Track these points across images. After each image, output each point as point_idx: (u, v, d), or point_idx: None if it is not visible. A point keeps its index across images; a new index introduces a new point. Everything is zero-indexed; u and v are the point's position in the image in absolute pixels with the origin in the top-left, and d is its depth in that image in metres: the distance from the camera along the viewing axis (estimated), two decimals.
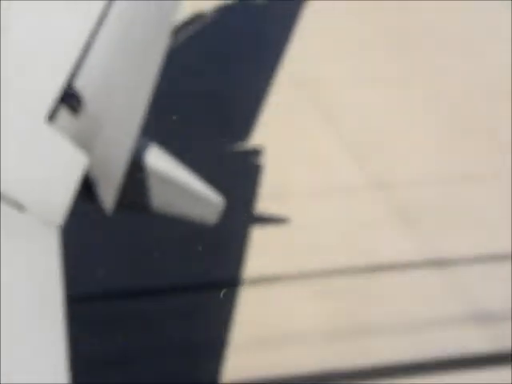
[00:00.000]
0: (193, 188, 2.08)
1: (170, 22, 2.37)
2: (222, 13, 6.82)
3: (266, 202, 5.45)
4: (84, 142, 1.67)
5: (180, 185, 2.05)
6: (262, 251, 4.98)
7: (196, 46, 6.66)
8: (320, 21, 8.02)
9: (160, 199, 2.06)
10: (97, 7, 2.00)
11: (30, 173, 1.48)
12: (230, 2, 7.38)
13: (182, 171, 2.08)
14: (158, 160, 2.02)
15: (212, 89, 6.78)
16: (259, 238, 5.10)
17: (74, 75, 1.72)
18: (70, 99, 1.68)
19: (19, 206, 1.39)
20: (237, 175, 5.71)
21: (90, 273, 4.26)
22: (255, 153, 5.95)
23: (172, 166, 2.06)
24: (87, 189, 1.74)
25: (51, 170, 1.55)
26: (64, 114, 1.66)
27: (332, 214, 5.41)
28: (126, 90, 1.94)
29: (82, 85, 1.73)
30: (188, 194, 2.07)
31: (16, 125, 1.53)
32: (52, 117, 1.60)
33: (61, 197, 1.50)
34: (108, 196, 1.80)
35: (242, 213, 5.20)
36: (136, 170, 1.95)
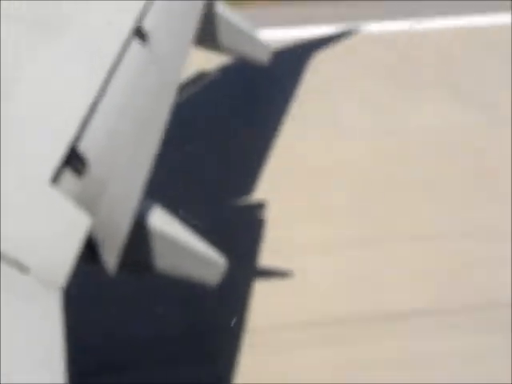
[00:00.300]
0: (196, 249, 2.09)
1: (175, 85, 2.41)
2: (224, 72, 6.94)
3: (268, 255, 5.53)
4: (88, 203, 1.68)
5: (183, 246, 2.06)
6: (264, 304, 5.04)
7: (198, 104, 6.77)
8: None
9: (163, 260, 2.06)
10: (103, 68, 2.03)
11: (33, 234, 1.49)
12: (232, 61, 7.50)
13: (184, 232, 2.09)
14: (160, 221, 2.03)
15: (214, 145, 6.91)
16: (261, 292, 5.15)
17: (78, 137, 1.74)
18: (74, 162, 1.70)
19: (22, 267, 1.39)
20: (239, 229, 5.80)
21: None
22: (258, 207, 6.05)
23: (175, 226, 2.07)
24: (90, 250, 1.74)
25: (54, 232, 1.55)
26: (68, 176, 1.67)
27: (332, 267, 5.49)
28: (130, 152, 1.96)
29: (86, 147, 1.75)
30: (191, 255, 2.08)
31: (20, 186, 1.54)
32: (56, 179, 1.61)
33: (64, 258, 1.50)
34: (111, 257, 1.81)
35: (244, 266, 5.26)
36: (139, 231, 1.96)
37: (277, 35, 9.41)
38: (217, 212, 5.88)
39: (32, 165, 1.61)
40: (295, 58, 8.97)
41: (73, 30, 2.12)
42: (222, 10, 3.71)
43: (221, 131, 7.25)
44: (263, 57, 4.00)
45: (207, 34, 3.63)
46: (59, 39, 2.03)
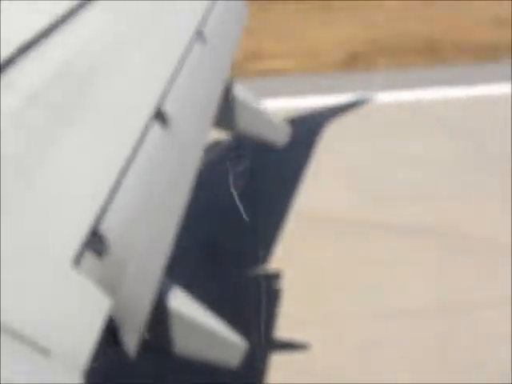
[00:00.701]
0: (216, 332, 2.08)
1: (195, 167, 2.43)
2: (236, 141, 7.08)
3: (284, 326, 5.49)
4: (108, 284, 1.68)
5: (202, 328, 2.05)
6: (281, 376, 5.00)
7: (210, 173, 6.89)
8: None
9: (182, 342, 2.05)
10: (124, 150, 2.06)
11: (53, 316, 1.49)
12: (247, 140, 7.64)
13: (204, 313, 2.09)
14: (180, 303, 2.03)
15: (228, 215, 6.99)
16: (278, 364, 5.11)
17: (99, 219, 1.76)
18: (95, 243, 1.71)
19: (42, 350, 1.38)
20: (255, 299, 5.83)
21: None
22: (274, 277, 6.08)
23: (195, 308, 2.07)
24: (110, 332, 1.73)
25: (75, 314, 1.55)
26: (89, 258, 1.67)
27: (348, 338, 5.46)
28: (150, 232, 1.98)
29: (107, 228, 1.76)
30: (211, 337, 2.07)
31: (41, 268, 1.55)
32: (77, 260, 1.62)
33: (85, 340, 1.49)
34: (131, 339, 1.80)
35: (260, 337, 5.26)
36: (159, 312, 1.95)
37: (288, 104, 9.61)
38: (232, 282, 5.94)
39: (53, 246, 1.61)
40: (306, 128, 9.13)
41: (93, 113, 2.16)
42: (240, 91, 3.78)
43: (233, 201, 7.34)
44: (281, 139, 4.07)
45: (224, 116, 3.69)
46: (80, 122, 2.07)
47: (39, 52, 2.29)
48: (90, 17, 2.76)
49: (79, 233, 1.67)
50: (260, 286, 6.02)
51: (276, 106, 9.52)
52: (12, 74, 2.09)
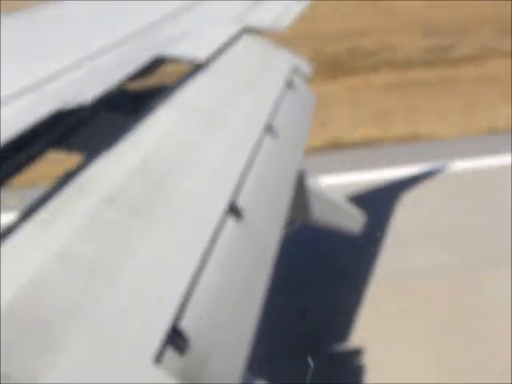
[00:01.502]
0: None
1: (271, 260, 2.43)
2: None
3: None
4: (190, 381, 1.67)
5: None
6: None
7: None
8: None
9: None
10: (200, 245, 2.08)
11: None
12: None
13: None
14: None
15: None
16: None
17: (178, 315, 1.76)
18: (175, 339, 1.70)
19: None
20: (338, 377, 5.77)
21: None
22: (356, 354, 6.02)
23: None
24: None
25: None
26: (170, 354, 1.67)
27: None
28: (230, 327, 1.97)
29: (186, 324, 1.76)
30: None
31: (123, 366, 1.55)
32: (158, 357, 1.62)
33: None
34: None
35: None
36: None
37: (358, 178, 9.62)
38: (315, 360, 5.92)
39: (134, 344, 1.62)
40: (378, 201, 9.12)
41: (169, 210, 2.19)
42: (313, 182, 3.79)
43: (307, 280, 7.34)
44: (355, 227, 4.06)
45: (297, 207, 3.69)
46: (156, 220, 2.10)
47: (116, 152, 2.36)
48: (163, 115, 2.84)
49: (159, 330, 1.68)
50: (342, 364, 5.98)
51: (352, 179, 9.60)
52: (90, 174, 2.15)
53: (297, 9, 5.81)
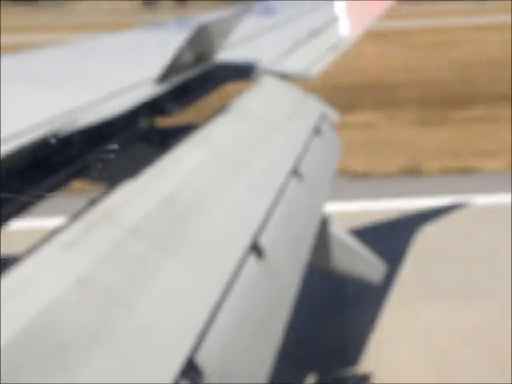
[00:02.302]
0: None
1: (291, 301, 2.41)
2: None
3: None
4: None
5: None
6: None
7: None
8: None
9: None
10: (220, 282, 2.06)
11: None
12: None
13: None
14: None
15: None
16: None
17: (195, 350, 1.74)
18: (191, 373, 1.69)
19: None
20: None
21: None
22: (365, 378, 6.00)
23: None
24: None
25: None
26: None
27: None
28: (247, 363, 1.95)
29: (203, 358, 1.74)
30: None
31: None
32: None
33: None
34: None
35: None
36: None
37: (381, 206, 9.61)
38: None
39: (150, 375, 1.60)
40: (400, 231, 9.12)
41: (192, 244, 2.19)
42: (335, 227, 3.78)
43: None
44: (376, 276, 4.03)
45: (319, 252, 3.68)
46: (178, 253, 2.10)
47: (143, 183, 2.37)
48: (191, 152, 2.86)
49: (176, 363, 1.66)
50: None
51: (376, 208, 9.59)
52: (116, 203, 2.15)
53: (327, 59, 5.87)
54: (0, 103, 2.57)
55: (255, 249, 2.37)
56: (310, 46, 6.04)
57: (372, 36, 20.48)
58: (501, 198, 10.61)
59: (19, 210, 2.39)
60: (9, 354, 1.40)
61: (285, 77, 4.74)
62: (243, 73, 4.46)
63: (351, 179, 11.84)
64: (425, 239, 9.20)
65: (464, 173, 12.28)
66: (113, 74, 3.49)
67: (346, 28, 7.90)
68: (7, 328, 1.46)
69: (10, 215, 2.34)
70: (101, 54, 4.28)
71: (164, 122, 3.52)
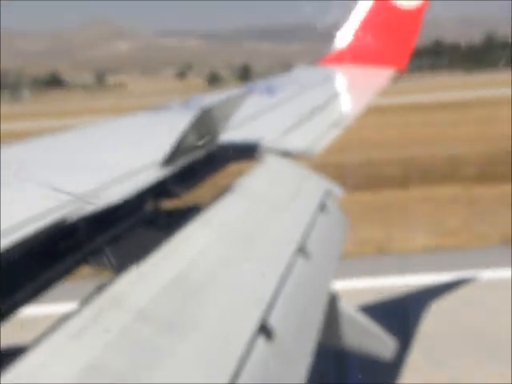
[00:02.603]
0: None
1: (301, 379, 2.39)
2: None
3: None
4: None
5: None
6: None
7: None
8: None
9: None
10: (229, 364, 2.05)
11: None
12: None
13: None
14: None
15: None
16: None
17: None
18: None
19: None
20: None
21: None
22: None
23: None
24: None
25: None
26: None
27: None
28: None
29: None
30: None
31: None
32: None
33: None
34: None
35: None
36: None
37: (386, 283, 9.53)
38: None
39: None
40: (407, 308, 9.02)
41: (199, 327, 2.19)
42: (344, 305, 3.76)
43: None
44: (387, 352, 3.99)
45: (328, 331, 3.65)
46: (186, 337, 2.09)
47: (150, 267, 2.38)
48: (197, 233, 2.87)
49: None
50: None
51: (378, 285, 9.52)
52: (124, 288, 2.16)
53: (330, 135, 5.93)
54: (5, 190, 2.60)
55: (264, 330, 2.37)
56: (313, 123, 6.11)
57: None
58: None
59: (28, 297, 2.39)
60: None
61: (288, 155, 4.79)
62: (247, 152, 4.51)
63: None
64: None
65: None
66: (117, 158, 3.53)
67: (347, 104, 8.01)
68: None
69: (19, 302, 2.34)
70: (105, 139, 4.34)
71: (170, 204, 3.54)
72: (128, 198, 2.79)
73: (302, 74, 9.71)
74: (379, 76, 9.37)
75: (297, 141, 5.21)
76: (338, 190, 4.68)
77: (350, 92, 8.92)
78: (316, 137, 5.60)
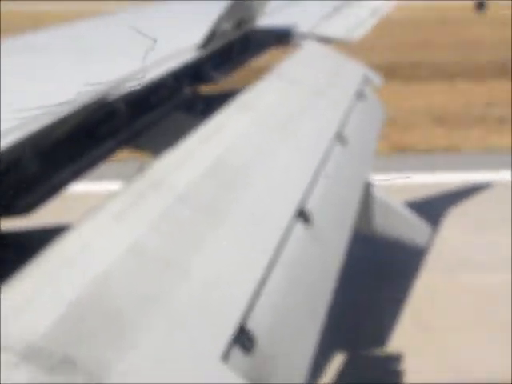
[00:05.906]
0: None
1: (337, 267, 2.42)
2: None
3: None
4: (256, 380, 1.67)
5: None
6: None
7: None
8: None
9: None
10: (267, 248, 2.08)
11: None
12: None
13: None
14: None
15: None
16: None
17: (246, 316, 1.76)
18: (243, 339, 1.71)
19: None
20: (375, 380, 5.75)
21: None
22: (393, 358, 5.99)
23: None
24: None
25: None
26: (237, 354, 1.67)
27: None
28: (296, 329, 1.96)
29: (254, 324, 1.76)
30: None
31: (191, 363, 1.56)
32: (225, 356, 1.62)
33: None
34: None
35: None
36: None
37: (424, 180, 9.61)
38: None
39: (203, 342, 1.63)
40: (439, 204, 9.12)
41: (239, 211, 2.20)
42: (380, 192, 3.77)
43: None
44: (421, 240, 4.02)
45: (364, 217, 3.67)
46: (225, 220, 2.11)
47: (189, 151, 2.39)
48: (236, 118, 2.86)
49: (228, 329, 1.68)
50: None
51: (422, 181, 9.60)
52: (164, 172, 2.18)
53: (369, 23, 5.80)
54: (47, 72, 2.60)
55: (302, 215, 2.38)
56: (351, 11, 5.98)
57: None
58: None
59: (72, 175, 2.43)
60: (65, 321, 1.43)
61: (327, 41, 4.70)
62: (284, 38, 4.43)
63: None
64: None
65: None
66: (156, 42, 3.50)
67: None
68: (63, 296, 1.49)
69: (65, 180, 2.38)
70: (144, 24, 4.29)
71: (208, 89, 3.52)
72: (166, 77, 2.78)
73: None
74: None
75: (336, 27, 5.11)
76: (377, 78, 4.62)
77: None
78: (355, 24, 5.49)
